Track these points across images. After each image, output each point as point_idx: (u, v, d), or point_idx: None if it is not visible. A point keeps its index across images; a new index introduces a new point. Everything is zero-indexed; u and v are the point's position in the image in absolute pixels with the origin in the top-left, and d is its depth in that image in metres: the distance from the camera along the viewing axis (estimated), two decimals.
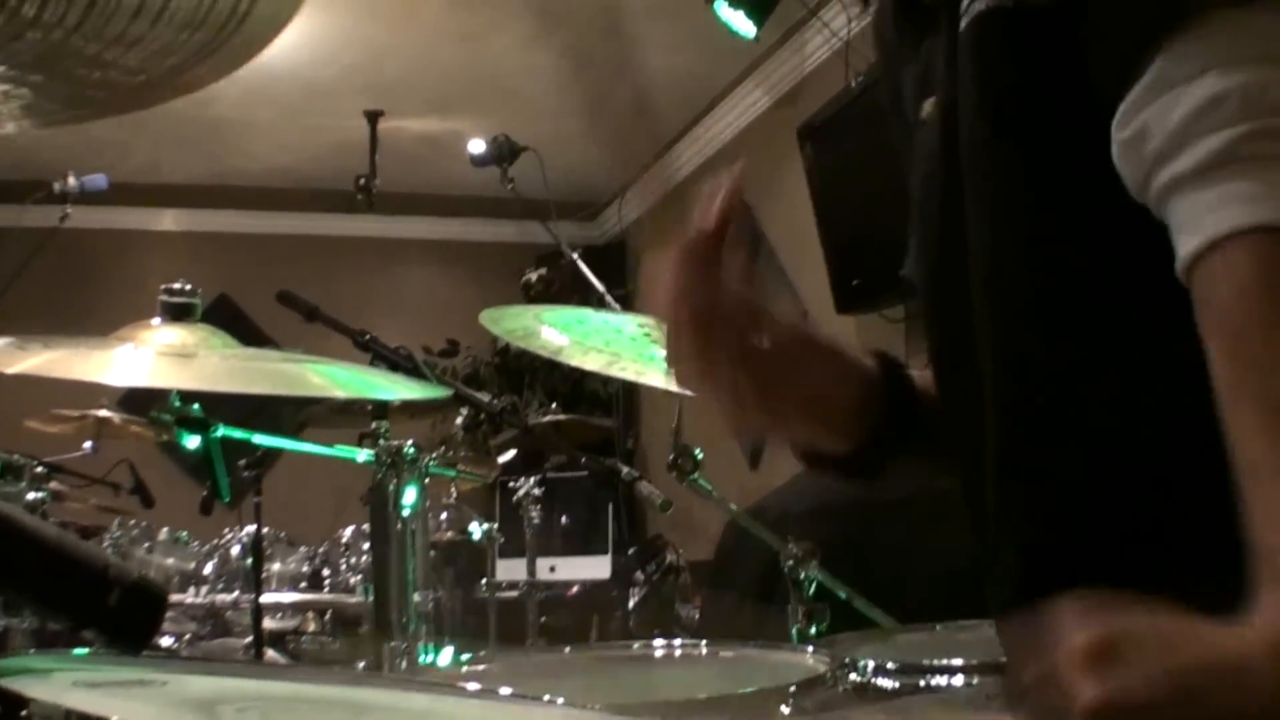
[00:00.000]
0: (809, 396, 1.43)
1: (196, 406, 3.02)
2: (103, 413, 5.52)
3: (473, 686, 1.49)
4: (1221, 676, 0.92)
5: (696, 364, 1.32)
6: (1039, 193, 1.22)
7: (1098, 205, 1.17)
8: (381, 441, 2.81)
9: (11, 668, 1.19)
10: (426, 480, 2.74)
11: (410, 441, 2.70)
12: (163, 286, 2.88)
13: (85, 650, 1.33)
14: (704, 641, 2.64)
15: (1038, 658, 0.95)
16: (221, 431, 3.05)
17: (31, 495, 3.38)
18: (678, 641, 2.63)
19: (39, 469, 3.42)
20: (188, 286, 2.88)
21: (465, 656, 2.54)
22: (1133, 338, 1.18)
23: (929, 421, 1.47)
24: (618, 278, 7.12)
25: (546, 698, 1.43)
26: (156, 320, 2.83)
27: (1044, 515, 1.25)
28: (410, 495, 2.65)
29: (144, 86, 2.76)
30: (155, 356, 2.66)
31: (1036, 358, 1.24)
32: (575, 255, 4.65)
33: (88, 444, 5.46)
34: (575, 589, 6.70)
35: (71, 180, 5.41)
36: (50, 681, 1.20)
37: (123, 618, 1.25)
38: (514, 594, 5.35)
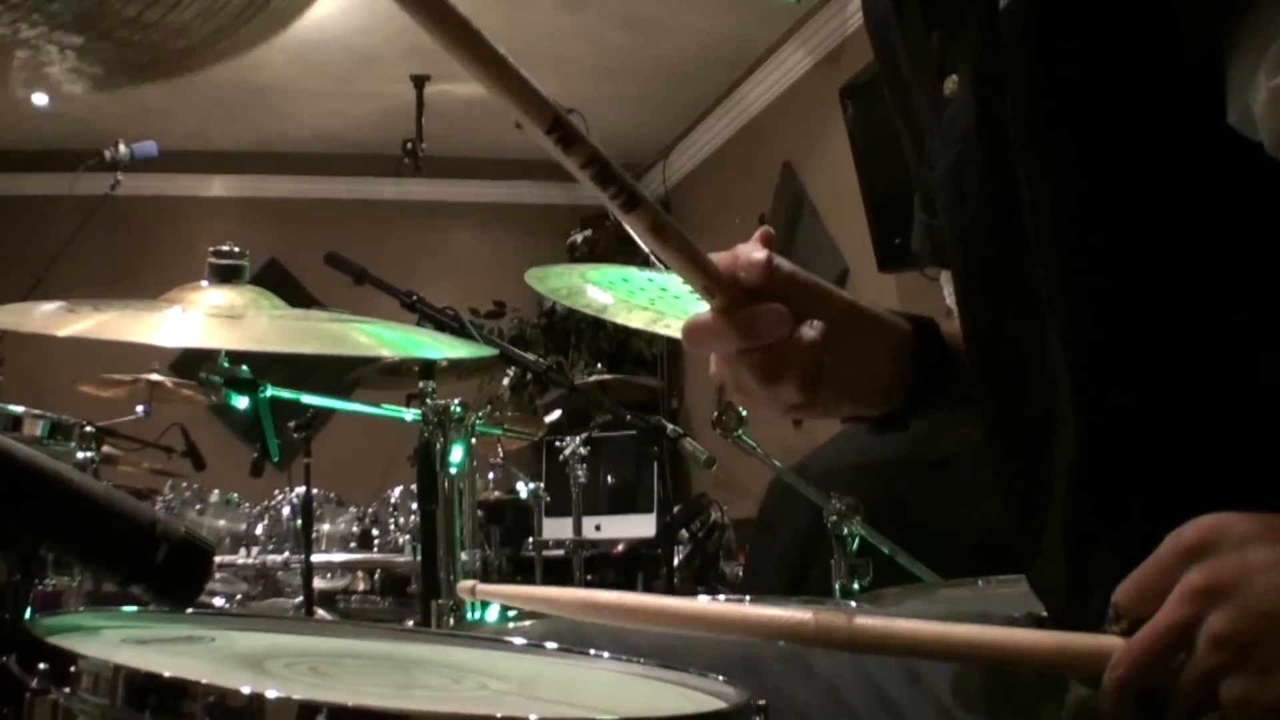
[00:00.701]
0: (858, 373, 1.42)
1: (245, 368, 3.03)
2: (154, 377, 5.55)
3: (519, 641, 1.49)
4: None
5: (756, 389, 1.32)
6: (1104, 154, 1.18)
7: (1169, 162, 1.15)
8: (428, 401, 2.81)
9: (61, 625, 1.20)
10: (473, 439, 2.74)
11: (457, 400, 2.70)
12: (211, 249, 2.87)
13: (134, 608, 1.33)
14: (747, 597, 2.64)
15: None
16: (270, 392, 3.06)
17: (81, 455, 3.38)
18: (721, 597, 2.64)
19: (88, 429, 3.42)
20: (235, 249, 2.87)
21: (512, 613, 2.55)
22: (1236, 290, 1.14)
23: (962, 374, 1.46)
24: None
25: (593, 651, 1.42)
26: (205, 282, 2.83)
27: (1144, 463, 1.22)
28: (457, 454, 2.64)
29: (187, 50, 2.76)
30: (204, 318, 2.66)
31: (1115, 326, 1.21)
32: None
33: (140, 408, 5.49)
34: (620, 547, 6.71)
35: (122, 148, 5.42)
36: (100, 639, 1.20)
37: (170, 573, 1.25)
38: (560, 552, 5.36)
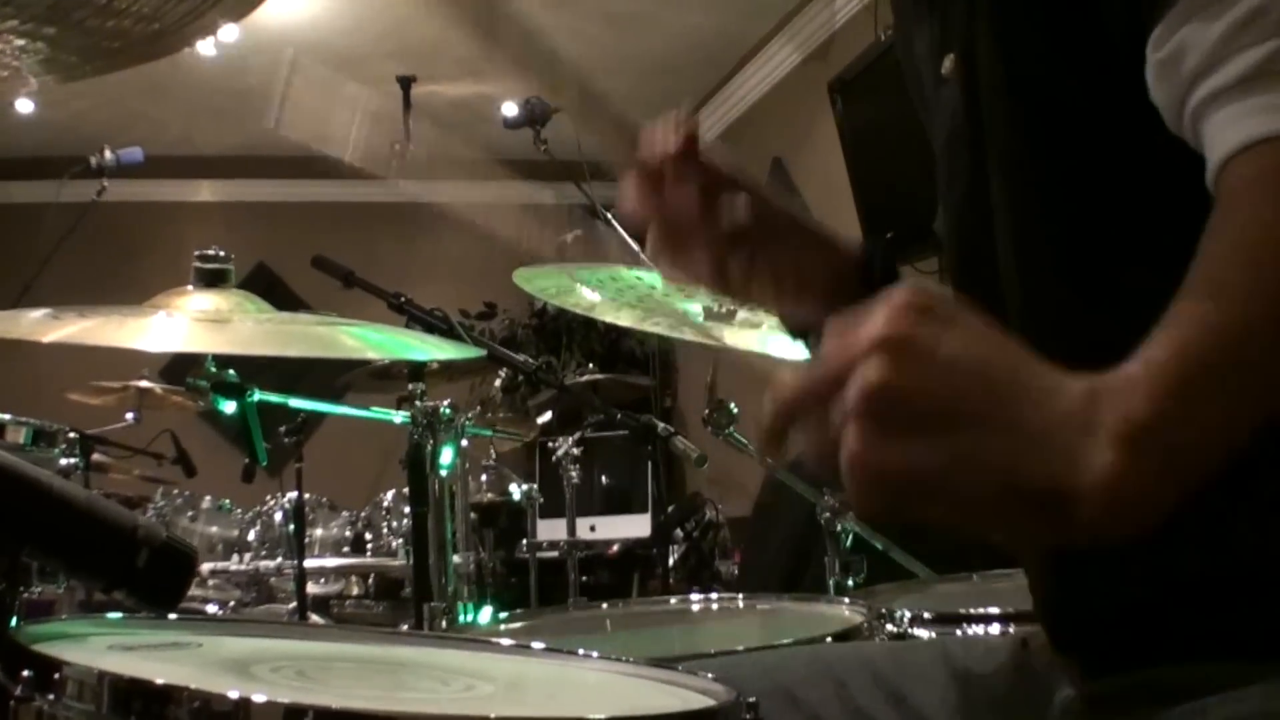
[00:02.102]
0: (787, 271, 1.49)
1: (232, 372, 3.02)
2: (144, 384, 5.53)
3: (507, 642, 1.49)
4: (1028, 385, 0.92)
5: (674, 259, 1.46)
6: (1058, 143, 1.21)
7: (1119, 153, 1.18)
8: (418, 403, 2.80)
9: (47, 633, 1.20)
10: (464, 441, 2.74)
11: (446, 402, 2.70)
12: (196, 253, 2.87)
13: (120, 614, 1.33)
14: (740, 595, 2.65)
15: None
16: (257, 396, 3.06)
17: (64, 461, 3.38)
18: (714, 595, 2.65)
19: (71, 434, 3.42)
20: (221, 252, 2.87)
21: (504, 615, 2.55)
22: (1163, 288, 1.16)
23: None
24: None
25: (581, 651, 1.42)
26: (190, 287, 2.83)
27: None
28: (447, 455, 2.65)
29: (158, 35, 2.75)
30: (190, 322, 2.66)
31: (1064, 308, 1.23)
32: (610, 215, 4.63)
33: (129, 415, 5.48)
34: (615, 548, 6.70)
35: (108, 154, 5.42)
36: (85, 645, 1.21)
37: (152, 578, 1.25)
38: (554, 554, 5.34)
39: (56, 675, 1.03)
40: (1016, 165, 1.25)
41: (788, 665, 1.43)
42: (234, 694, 0.98)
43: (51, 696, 1.02)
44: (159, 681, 1.00)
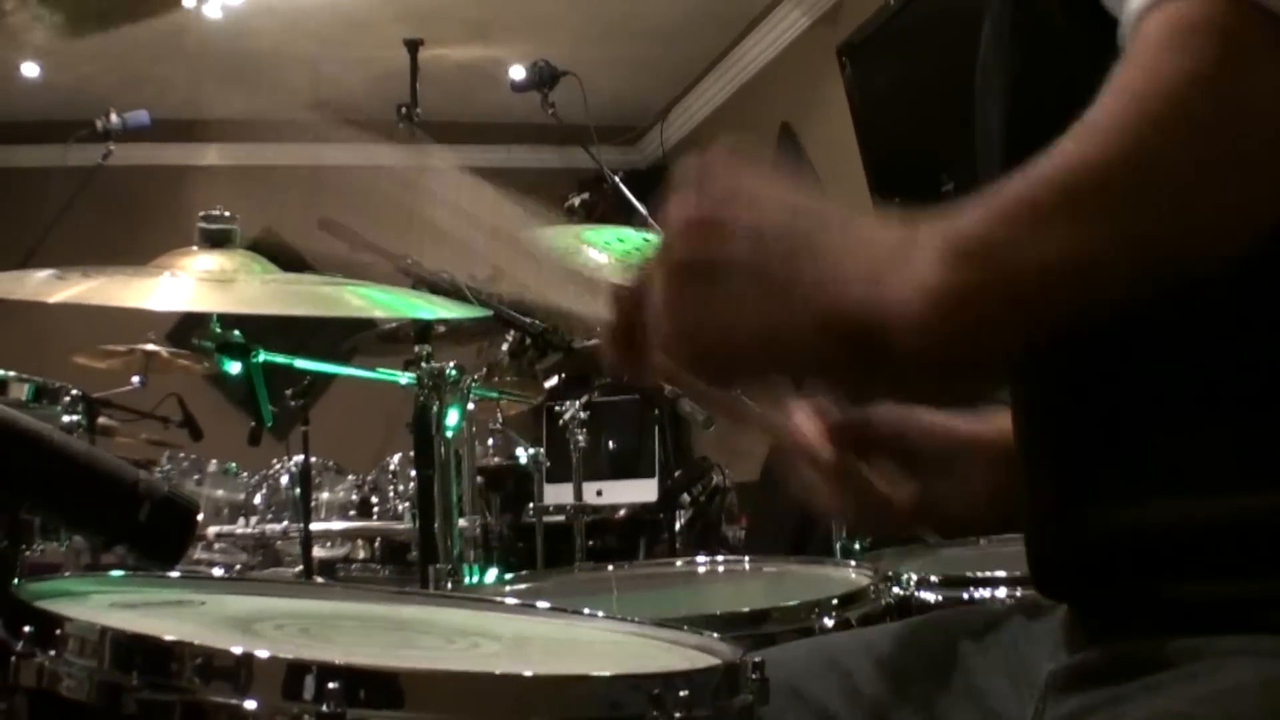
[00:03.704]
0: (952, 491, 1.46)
1: (237, 333, 3.02)
2: (150, 347, 5.52)
3: (512, 601, 1.49)
4: (839, 232, 0.96)
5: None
6: (1046, 79, 1.20)
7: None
8: (424, 365, 2.80)
9: (49, 590, 1.19)
10: (471, 404, 2.74)
11: (452, 364, 2.69)
12: (201, 214, 2.87)
13: (122, 572, 1.33)
14: (747, 557, 2.65)
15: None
16: (263, 356, 3.05)
17: (66, 419, 3.37)
18: (720, 558, 2.64)
19: (74, 392, 3.41)
20: (225, 213, 2.87)
21: (509, 576, 2.55)
22: None
23: None
24: (660, 201, 7.09)
25: (587, 610, 1.42)
26: (195, 248, 2.82)
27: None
28: (453, 417, 2.64)
29: None
30: (195, 283, 2.65)
31: None
32: (617, 179, 4.62)
33: (135, 378, 5.47)
34: (622, 512, 6.69)
35: (114, 118, 5.42)
36: (87, 603, 1.20)
37: (153, 533, 1.24)
38: (561, 518, 5.34)
39: (58, 631, 1.02)
40: (1017, 117, 1.23)
41: (788, 660, 1.42)
42: (237, 649, 0.98)
43: (53, 652, 1.02)
44: (162, 637, 1.00)
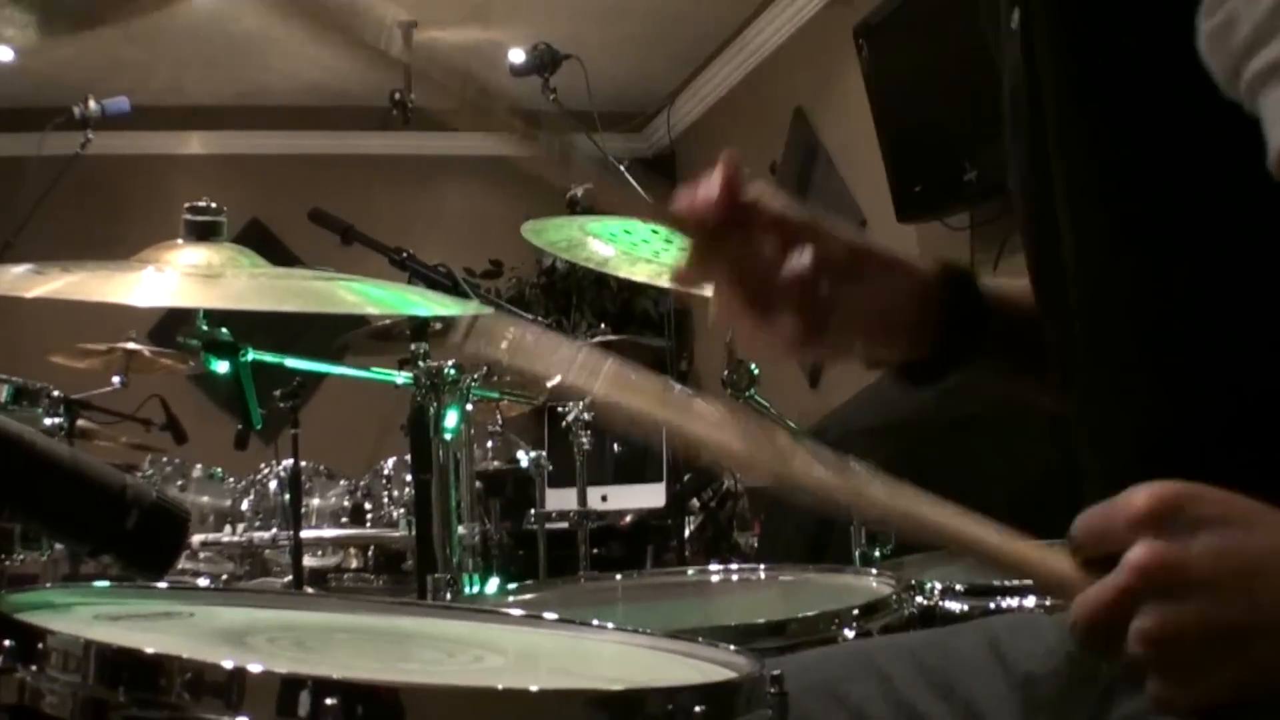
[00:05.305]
0: (871, 311, 1.47)
1: (225, 330, 3.02)
2: (131, 345, 5.52)
3: (516, 613, 1.48)
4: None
5: (748, 326, 1.40)
6: (1112, 108, 1.21)
7: (1177, 117, 1.17)
8: (421, 364, 2.80)
9: (30, 602, 1.19)
10: (469, 404, 2.73)
11: (451, 362, 2.69)
12: (186, 205, 2.86)
13: (107, 583, 1.33)
14: (762, 566, 2.64)
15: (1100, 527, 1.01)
16: (251, 355, 3.05)
17: (48, 421, 3.38)
18: (734, 566, 2.64)
19: (55, 393, 3.42)
20: (212, 205, 2.86)
21: (511, 586, 2.55)
22: (1230, 244, 1.16)
23: (1005, 330, 1.48)
24: (669, 191, 7.08)
25: (596, 622, 1.42)
26: (180, 241, 2.81)
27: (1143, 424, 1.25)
28: (451, 419, 2.64)
29: None
30: (179, 277, 2.63)
31: (1124, 280, 1.24)
32: (622, 167, 4.62)
33: (116, 379, 5.47)
34: (628, 518, 6.68)
35: (92, 104, 5.41)
36: (70, 615, 1.20)
37: (142, 541, 1.24)
38: (564, 525, 5.33)
39: (40, 645, 1.02)
40: (1071, 130, 1.25)
41: (827, 661, 1.42)
42: (229, 664, 0.97)
43: (34, 667, 1.01)
44: (149, 651, 0.99)
